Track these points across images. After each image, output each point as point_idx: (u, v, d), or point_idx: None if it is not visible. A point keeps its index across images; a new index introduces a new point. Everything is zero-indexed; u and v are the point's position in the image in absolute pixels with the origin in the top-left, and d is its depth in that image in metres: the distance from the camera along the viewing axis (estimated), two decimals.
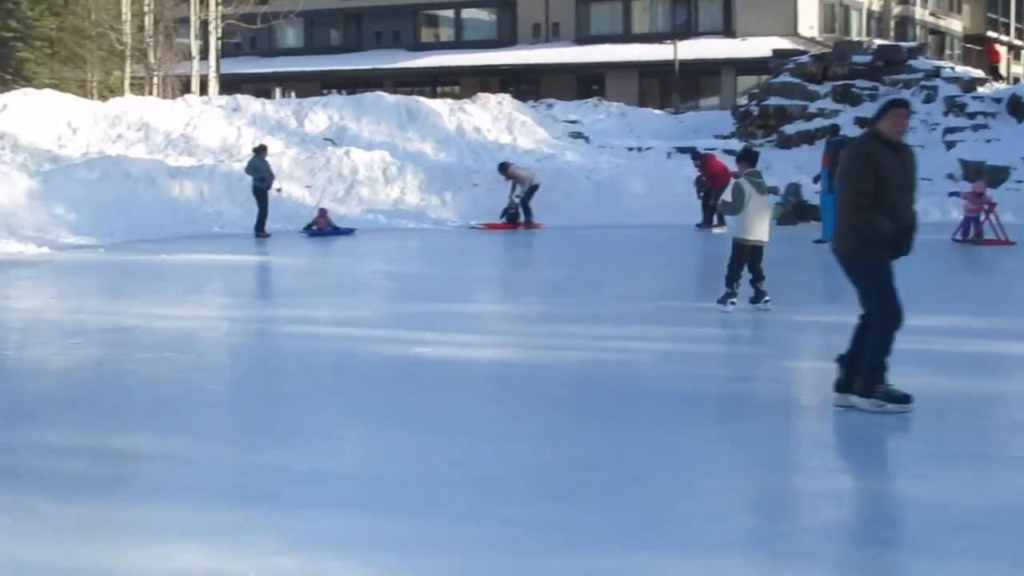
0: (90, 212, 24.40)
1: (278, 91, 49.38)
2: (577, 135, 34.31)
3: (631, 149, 32.74)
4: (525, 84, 52.03)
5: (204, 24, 45.34)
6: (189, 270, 18.00)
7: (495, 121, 33.77)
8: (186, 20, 45.71)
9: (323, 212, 25.10)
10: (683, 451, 6.97)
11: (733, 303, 12.39)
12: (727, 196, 12.61)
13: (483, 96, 36.26)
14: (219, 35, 45.95)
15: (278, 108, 34.80)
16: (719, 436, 7.40)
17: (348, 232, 24.69)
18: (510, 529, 5.38)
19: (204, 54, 45.30)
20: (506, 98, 36.28)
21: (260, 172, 24.04)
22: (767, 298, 12.45)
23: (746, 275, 12.48)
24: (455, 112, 33.87)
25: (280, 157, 28.27)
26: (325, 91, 45.71)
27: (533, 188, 25.79)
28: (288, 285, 16.59)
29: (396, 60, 56.04)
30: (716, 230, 24.04)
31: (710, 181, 25.26)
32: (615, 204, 27.38)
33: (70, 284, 16.36)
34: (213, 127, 32.68)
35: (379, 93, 36.43)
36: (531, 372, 9.55)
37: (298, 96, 41.40)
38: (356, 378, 9.32)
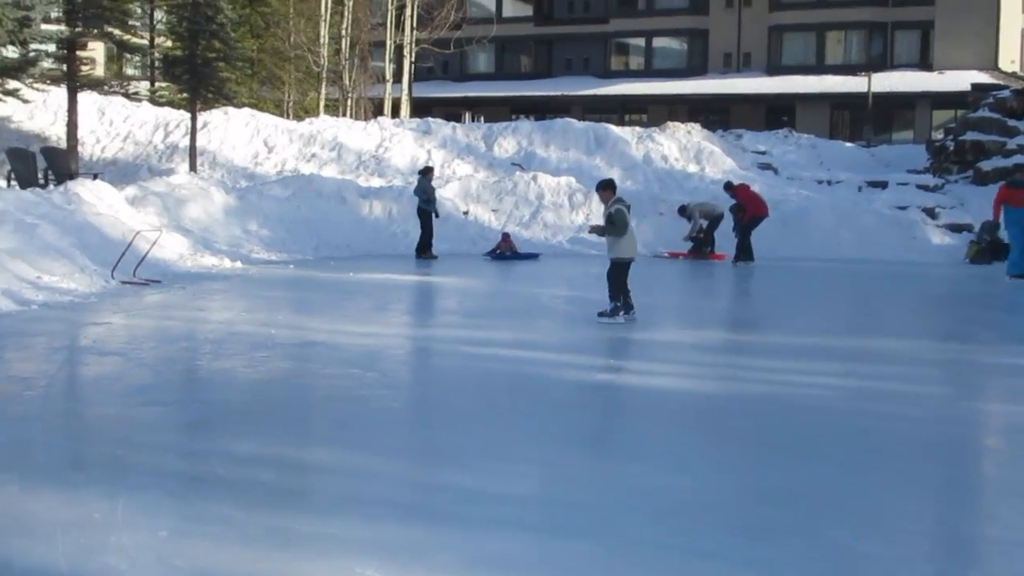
0: (282, 229, 25.01)
1: (467, 115, 50.06)
2: (766, 166, 33.95)
3: (820, 182, 32.25)
4: (714, 113, 51.74)
5: (399, 48, 46.22)
6: (376, 288, 18.28)
7: (683, 150, 33.63)
8: (381, 44, 46.73)
9: (506, 236, 25.26)
10: (871, 490, 6.77)
11: (624, 315, 14.10)
12: (607, 220, 14.14)
13: (672, 125, 36.16)
14: (412, 59, 46.80)
15: (468, 132, 35.26)
16: (908, 478, 7.17)
17: (532, 257, 24.80)
18: (694, 562, 5.29)
19: (397, 77, 46.18)
20: (695, 127, 36.10)
21: (427, 194, 24.35)
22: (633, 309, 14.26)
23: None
24: (643, 140, 33.83)
25: (468, 181, 28.62)
26: (514, 116, 46.22)
27: (717, 218, 25.56)
28: (472, 307, 16.69)
29: (585, 87, 56.29)
30: (745, 264, 23.73)
31: (741, 212, 24.85)
32: (802, 236, 26.95)
33: (261, 298, 16.74)
34: (404, 149, 33.27)
35: (568, 119, 36.60)
36: (714, 402, 9.42)
37: (487, 120, 41.87)
38: (537, 401, 9.30)
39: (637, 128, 37.49)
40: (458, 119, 42.69)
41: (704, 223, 25.64)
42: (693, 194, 28.66)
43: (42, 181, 28.61)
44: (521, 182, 28.68)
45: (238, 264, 21.37)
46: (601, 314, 14.10)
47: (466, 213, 27.20)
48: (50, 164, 29.90)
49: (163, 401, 9.17)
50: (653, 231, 27.05)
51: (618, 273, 14.28)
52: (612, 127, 35.14)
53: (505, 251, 24.77)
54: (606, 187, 14.71)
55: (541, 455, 7.42)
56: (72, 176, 27.51)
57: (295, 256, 23.37)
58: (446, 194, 27.48)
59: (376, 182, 30.49)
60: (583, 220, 27.69)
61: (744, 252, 24.54)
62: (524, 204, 27.93)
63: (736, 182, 26.92)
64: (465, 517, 5.92)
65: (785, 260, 24.60)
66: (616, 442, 7.83)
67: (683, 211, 26.16)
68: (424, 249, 24.05)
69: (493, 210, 27.59)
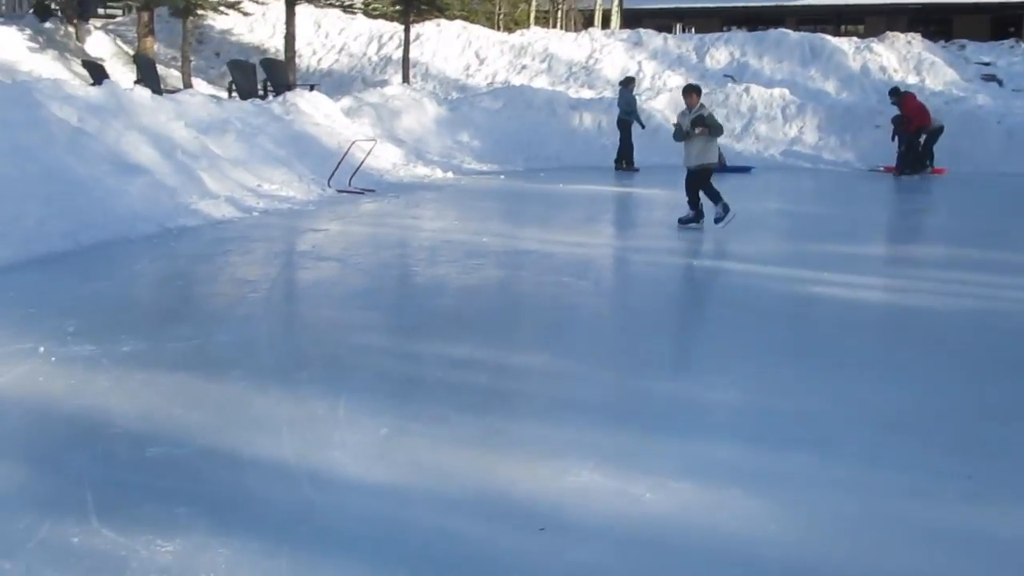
0: (492, 140, 25.18)
1: (678, 26, 49.32)
2: (990, 78, 32.64)
3: None
4: (935, 24, 49.80)
5: None
6: (585, 199, 18.31)
7: (903, 61, 32.62)
8: None
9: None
10: None
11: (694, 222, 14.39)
12: (700, 123, 14.21)
13: (891, 35, 35.01)
14: None
15: (680, 43, 34.84)
16: None
17: (744, 170, 24.44)
18: (912, 475, 5.19)
19: None
20: (916, 37, 34.91)
21: (628, 105, 24.11)
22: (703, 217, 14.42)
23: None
24: (860, 51, 32.92)
25: (678, 92, 28.31)
26: (725, 27, 45.32)
27: (936, 132, 24.73)
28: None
29: None
30: (912, 177, 22.81)
31: (906, 123, 23.74)
32: None
33: (473, 208, 16.92)
34: (614, 60, 33.07)
35: (783, 30, 35.78)
36: (928, 318, 9.18)
37: (697, 32, 41.24)
38: (748, 312, 9.20)
39: (854, 39, 36.41)
40: (669, 30, 42.13)
41: (922, 137, 24.86)
42: None
43: (261, 92, 29.38)
44: (733, 94, 28.24)
45: (450, 174, 21.62)
46: (718, 219, 14.11)
47: (676, 125, 26.97)
48: (269, 75, 30.66)
49: (380, 305, 9.39)
50: (870, 144, 26.36)
51: (707, 178, 14.33)
52: (829, 37, 34.23)
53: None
54: (695, 91, 14.65)
55: (754, 365, 7.35)
56: (290, 87, 28.17)
57: (505, 167, 23.52)
58: (656, 106, 27.26)
59: (586, 94, 30.41)
60: (795, 133, 27.17)
61: (912, 164, 23.80)
62: (736, 116, 27.50)
63: (903, 89, 25.99)
64: (679, 424, 5.92)
65: (1008, 176, 23.70)
66: (829, 354, 7.69)
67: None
68: (624, 161, 23.90)
69: None
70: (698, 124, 14.21)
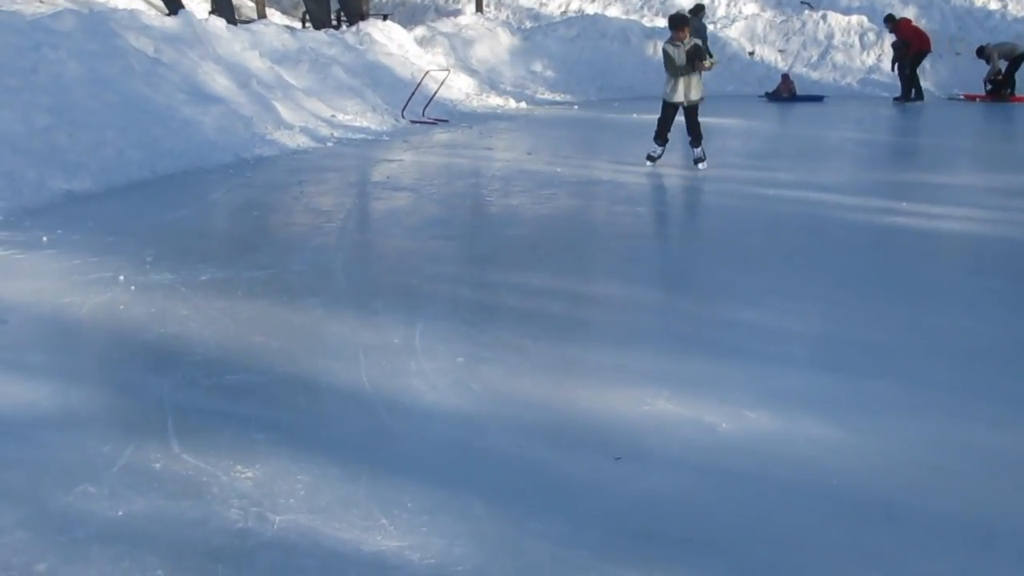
0: (566, 70, 25.05)
1: None
2: None
3: None
4: None
5: None
6: None
7: None
8: None
9: (785, 77, 24.62)
10: None
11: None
12: (697, 56, 13.15)
13: None
14: None
15: None
16: None
17: (817, 99, 24.15)
18: (993, 405, 5.13)
19: None
20: None
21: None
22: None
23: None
24: None
25: (754, 20, 27.92)
26: None
27: (1019, 59, 24.24)
28: (755, 148, 16.41)
29: None
30: (912, 103, 22.27)
31: (905, 48, 23.20)
32: None
33: (546, 138, 16.87)
34: None
35: None
36: (1010, 248, 9.03)
37: None
38: (824, 241, 9.11)
39: None
40: None
41: (1004, 64, 24.37)
42: (993, 34, 27.25)
43: (335, 22, 29.38)
44: (810, 21, 27.83)
45: (523, 104, 21.57)
46: (698, 160, 13.26)
47: (751, 53, 26.65)
48: (342, 5, 30.61)
49: (454, 235, 9.41)
50: (949, 72, 25.94)
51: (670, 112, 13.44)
52: None
53: (783, 93, 24.17)
54: (682, 23, 13.50)
55: (830, 295, 7.28)
56: (363, 17, 28.12)
57: (579, 97, 23.43)
58: (731, 34, 26.95)
59: (660, 22, 30.07)
60: (874, 61, 26.74)
61: (910, 91, 23.42)
62: (812, 44, 27.14)
63: (898, 16, 25.46)
64: (755, 352, 5.89)
65: None
66: (908, 285, 7.60)
67: (981, 52, 24.87)
68: None
69: (780, 50, 26.94)
70: (695, 56, 13.15)
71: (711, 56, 13.65)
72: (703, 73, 13.32)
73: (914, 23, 24.65)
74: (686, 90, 13.28)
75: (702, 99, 13.52)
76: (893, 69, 24.08)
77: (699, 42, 13.46)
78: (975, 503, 4.12)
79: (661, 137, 13.52)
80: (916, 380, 5.46)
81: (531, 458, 4.52)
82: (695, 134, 13.27)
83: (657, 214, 10.22)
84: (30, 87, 12.12)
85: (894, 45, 24.02)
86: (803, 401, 5.12)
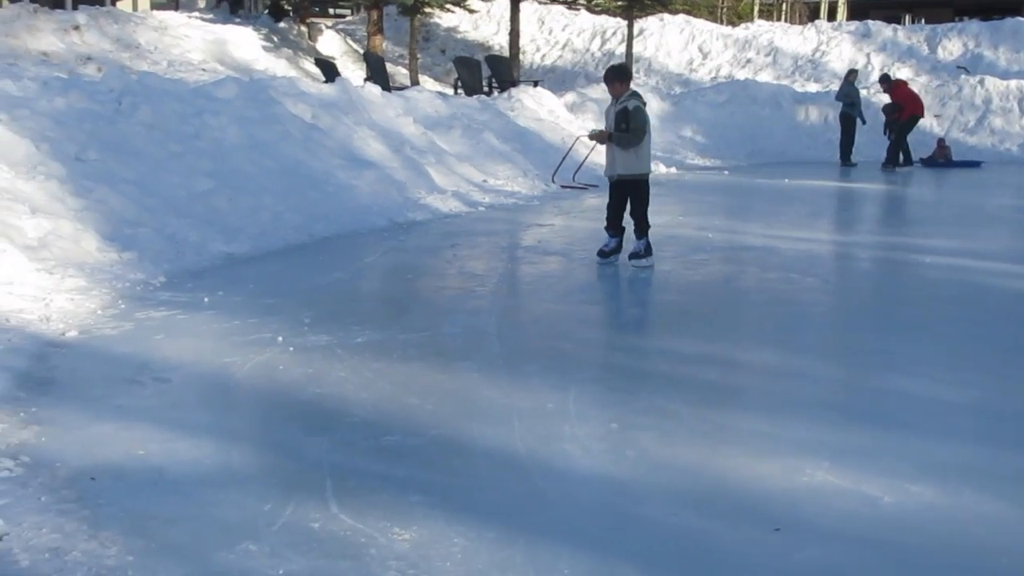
0: (716, 135, 24.99)
1: (907, 17, 48.04)
2: None
3: None
4: None
5: None
6: (810, 195, 17.99)
7: None
8: None
9: (941, 143, 24.20)
10: None
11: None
12: (622, 121, 10.51)
13: None
14: None
15: (910, 34, 33.94)
16: None
17: (974, 164, 23.68)
18: None
19: None
20: None
21: (849, 98, 23.43)
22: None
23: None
24: None
25: (910, 85, 27.58)
26: (957, 18, 43.93)
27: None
28: (911, 214, 16.17)
29: None
30: (902, 169, 21.28)
31: (897, 112, 22.25)
32: None
33: (696, 203, 16.80)
34: (841, 52, 32.47)
35: (1019, 18, 34.50)
36: None
37: (927, 22, 40.10)
38: (984, 310, 8.91)
39: None
40: (898, 21, 41.10)
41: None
42: None
43: (486, 88, 29.77)
44: (966, 86, 27.35)
45: (673, 170, 21.55)
46: (634, 256, 10.73)
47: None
48: (493, 72, 31.05)
49: (604, 300, 9.43)
50: None
51: (643, 194, 10.84)
52: None
53: (938, 158, 23.76)
54: (617, 77, 10.79)
55: (990, 364, 7.11)
56: (514, 83, 28.50)
57: (729, 162, 23.33)
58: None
59: (812, 87, 29.91)
60: None
61: (897, 157, 22.54)
62: (969, 109, 26.65)
63: (894, 77, 24.56)
64: (914, 423, 5.77)
65: None
66: None
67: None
68: (842, 156, 23.33)
69: (936, 115, 26.48)
70: (623, 121, 10.55)
71: (627, 125, 10.54)
72: (637, 145, 10.63)
73: (911, 87, 23.97)
74: (611, 161, 10.94)
75: (639, 177, 10.84)
76: (885, 133, 23.30)
77: (633, 105, 10.54)
78: None
79: (610, 225, 10.95)
80: None
81: (686, 526, 4.48)
82: (634, 218, 10.81)
83: (809, 281, 10.09)
84: (192, 152, 12.51)
85: (886, 108, 23.33)
86: (966, 476, 4.99)
